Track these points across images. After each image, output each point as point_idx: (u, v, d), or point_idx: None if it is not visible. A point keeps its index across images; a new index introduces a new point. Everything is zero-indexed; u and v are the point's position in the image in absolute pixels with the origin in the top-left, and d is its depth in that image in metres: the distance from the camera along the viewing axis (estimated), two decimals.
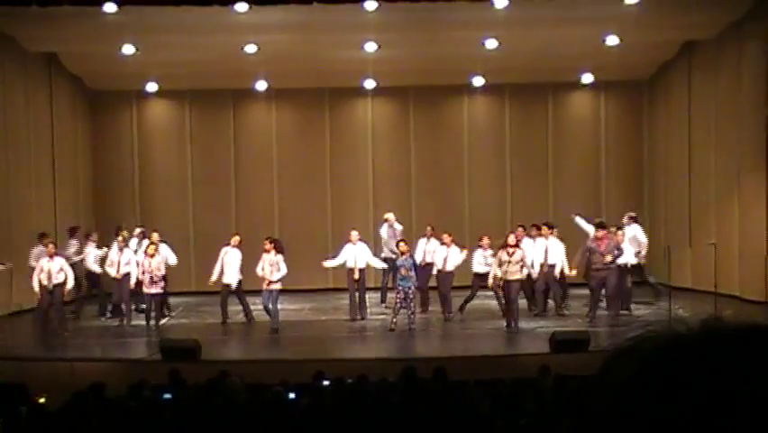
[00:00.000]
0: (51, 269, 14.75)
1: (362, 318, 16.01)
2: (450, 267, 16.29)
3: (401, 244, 15.41)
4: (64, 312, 15.29)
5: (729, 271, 16.80)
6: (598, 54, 18.77)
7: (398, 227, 17.94)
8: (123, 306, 16.03)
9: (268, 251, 15.14)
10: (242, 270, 16.04)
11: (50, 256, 14.89)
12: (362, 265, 16.18)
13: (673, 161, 20.07)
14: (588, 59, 19.60)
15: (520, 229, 16.82)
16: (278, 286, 15.11)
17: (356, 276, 16.01)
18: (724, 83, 17.85)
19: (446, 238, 16.53)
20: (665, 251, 16.10)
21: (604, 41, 17.72)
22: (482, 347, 13.81)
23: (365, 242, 16.59)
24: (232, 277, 15.82)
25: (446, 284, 16.20)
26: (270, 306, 15.01)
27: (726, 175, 17.69)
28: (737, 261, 17.08)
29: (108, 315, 16.74)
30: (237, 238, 16.20)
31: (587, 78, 20.84)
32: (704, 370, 0.87)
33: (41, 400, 8.86)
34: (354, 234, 16.34)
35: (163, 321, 16.28)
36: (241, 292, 16.08)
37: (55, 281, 14.75)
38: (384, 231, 18.11)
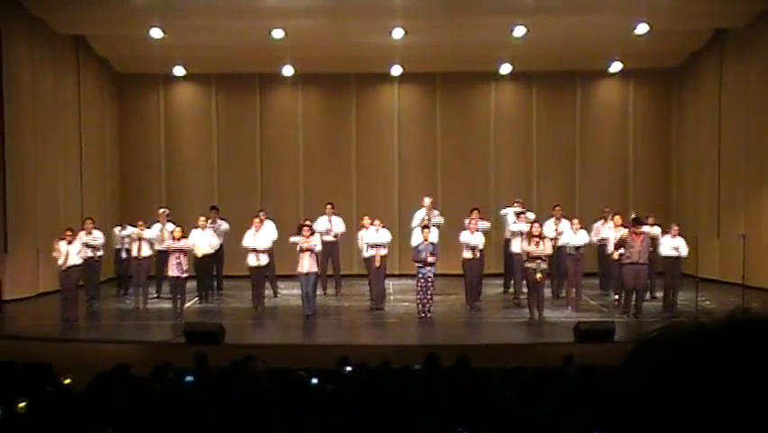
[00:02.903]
0: (70, 252, 14.83)
1: (380, 309, 15.79)
2: (476, 253, 16.02)
3: (425, 230, 15.30)
4: (74, 297, 15.22)
5: (758, 263, 16.63)
6: (627, 42, 18.60)
7: (437, 219, 16.99)
8: (141, 288, 16.15)
9: (307, 236, 15.13)
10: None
11: (69, 241, 14.93)
12: (384, 252, 16.09)
13: (702, 151, 19.88)
14: (617, 46, 19.46)
15: (558, 208, 16.99)
16: (315, 270, 15.16)
17: (377, 264, 15.94)
18: (755, 73, 17.64)
19: (473, 225, 15.92)
20: (693, 241, 15.94)
21: (634, 28, 17.54)
22: (506, 336, 13.79)
23: (387, 228, 16.51)
24: (264, 257, 15.80)
25: (473, 272, 16.02)
26: (310, 291, 15.04)
27: (757, 166, 17.50)
28: (767, 253, 16.90)
29: (128, 297, 16.87)
30: (257, 220, 16.13)
31: (616, 67, 20.67)
32: (729, 361, 0.85)
33: (67, 381, 8.92)
34: (377, 222, 16.29)
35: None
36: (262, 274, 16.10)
37: (70, 264, 14.83)
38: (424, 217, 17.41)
